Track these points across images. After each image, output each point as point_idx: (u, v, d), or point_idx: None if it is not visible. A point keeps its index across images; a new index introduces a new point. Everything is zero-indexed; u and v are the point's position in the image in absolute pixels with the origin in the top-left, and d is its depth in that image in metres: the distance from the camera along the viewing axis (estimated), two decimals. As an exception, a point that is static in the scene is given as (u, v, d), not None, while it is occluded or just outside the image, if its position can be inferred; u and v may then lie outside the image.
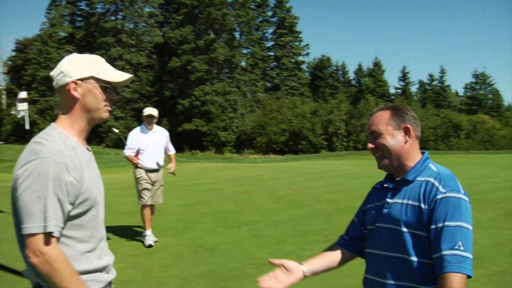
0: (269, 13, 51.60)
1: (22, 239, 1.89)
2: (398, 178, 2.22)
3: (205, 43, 41.04)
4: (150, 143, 7.30)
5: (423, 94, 55.55)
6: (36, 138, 1.99)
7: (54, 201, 1.87)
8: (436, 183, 2.08)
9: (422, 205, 2.07)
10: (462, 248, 1.97)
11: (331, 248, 2.43)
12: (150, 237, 7.12)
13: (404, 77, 55.21)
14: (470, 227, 2.02)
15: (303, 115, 36.45)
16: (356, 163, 22.09)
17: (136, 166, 7.27)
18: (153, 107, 7.82)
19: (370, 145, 2.25)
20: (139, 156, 7.24)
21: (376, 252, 2.22)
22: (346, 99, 44.71)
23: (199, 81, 40.96)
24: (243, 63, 44.61)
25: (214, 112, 39.02)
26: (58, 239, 1.91)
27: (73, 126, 2.10)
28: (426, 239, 2.06)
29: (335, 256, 2.38)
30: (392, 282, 2.12)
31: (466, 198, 2.06)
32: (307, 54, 52.61)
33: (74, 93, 2.06)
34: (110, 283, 2.17)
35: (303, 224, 8.53)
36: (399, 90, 54.70)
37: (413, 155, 2.21)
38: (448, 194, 2.04)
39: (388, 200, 2.20)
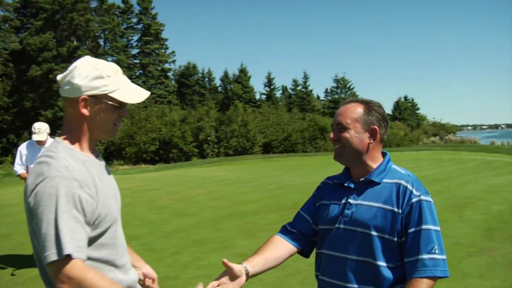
0: (134, 20, 49.92)
1: (45, 270, 1.75)
2: (361, 179, 2.14)
3: (67, 50, 38.57)
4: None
5: (288, 99, 57.62)
6: (41, 158, 1.80)
7: (70, 221, 1.68)
8: (409, 186, 2.05)
9: (397, 209, 2.03)
10: (437, 251, 1.97)
11: (273, 244, 2.28)
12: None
13: (269, 82, 56.82)
14: (440, 229, 2.03)
15: (172, 123, 35.85)
16: (230, 169, 22.25)
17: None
18: (42, 121, 7.00)
19: (332, 136, 2.17)
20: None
21: (336, 254, 2.13)
22: (215, 106, 44.85)
23: (62, 90, 38.48)
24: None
25: (79, 123, 36.86)
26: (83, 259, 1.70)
27: (80, 140, 1.91)
28: (395, 243, 2.03)
29: (279, 252, 2.25)
30: (355, 286, 2.05)
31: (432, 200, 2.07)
32: (173, 61, 52.18)
33: (83, 110, 1.85)
34: None
35: (193, 233, 8.33)
36: (264, 96, 56.20)
37: (376, 156, 2.17)
38: (422, 198, 2.03)
39: (351, 201, 2.13)
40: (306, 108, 54.97)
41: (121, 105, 1.93)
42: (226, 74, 56.29)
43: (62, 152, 1.81)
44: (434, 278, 1.95)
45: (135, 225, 9.20)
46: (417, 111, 69.70)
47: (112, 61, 36.93)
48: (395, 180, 2.09)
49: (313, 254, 2.33)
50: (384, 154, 2.21)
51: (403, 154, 27.20)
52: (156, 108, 40.67)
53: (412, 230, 2.00)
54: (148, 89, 47.92)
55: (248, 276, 2.10)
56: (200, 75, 55.80)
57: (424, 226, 1.99)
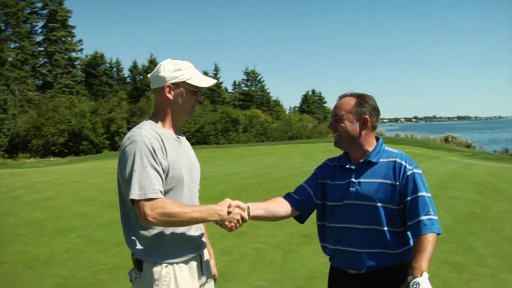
0: (39, 5, 47.05)
1: (126, 220, 2.41)
2: (361, 160, 2.54)
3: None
4: None
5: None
6: (134, 128, 2.40)
7: (149, 172, 2.22)
8: (403, 162, 2.48)
9: (395, 182, 2.44)
10: (432, 213, 2.41)
11: (277, 201, 2.69)
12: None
13: (181, 74, 56.44)
14: (431, 195, 2.46)
15: (82, 115, 34.73)
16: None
17: None
18: None
19: (331, 127, 2.58)
20: None
21: (348, 226, 2.50)
22: (128, 97, 43.80)
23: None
24: (9, 59, 40.33)
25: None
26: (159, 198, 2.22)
27: (164, 120, 2.47)
28: (396, 211, 2.45)
29: (279, 208, 2.65)
30: (368, 250, 2.45)
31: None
32: (81, 50, 50.08)
33: (168, 95, 2.43)
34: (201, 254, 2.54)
35: (131, 224, 8.31)
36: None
37: (370, 141, 2.57)
38: (414, 171, 2.47)
39: (353, 179, 2.51)
40: (216, 100, 55.23)
41: (196, 90, 2.47)
42: (135, 65, 55.14)
43: (146, 126, 2.38)
44: (434, 234, 2.36)
45: (68, 217, 9.04)
46: (325, 104, 72.01)
47: (14, 47, 34.87)
48: (390, 159, 2.52)
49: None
50: (377, 139, 2.61)
51: (316, 146, 28.19)
52: (64, 98, 39.10)
53: (409, 198, 2.42)
54: (54, 79, 46.14)
55: (249, 215, 2.50)
56: (108, 65, 54.26)
57: (419, 194, 2.42)
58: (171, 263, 2.35)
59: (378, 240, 2.45)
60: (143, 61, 72.57)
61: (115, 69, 55.41)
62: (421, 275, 2.22)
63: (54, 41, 46.89)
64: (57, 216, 9.21)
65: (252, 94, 57.82)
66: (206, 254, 2.62)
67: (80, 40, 49.68)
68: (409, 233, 2.50)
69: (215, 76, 58.50)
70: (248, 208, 2.48)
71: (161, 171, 2.28)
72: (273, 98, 60.72)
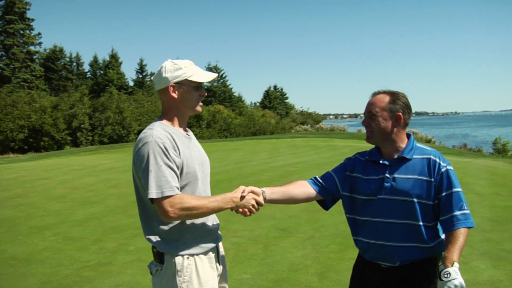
0: (-5, -4, 45.73)
1: (146, 215, 2.49)
2: (395, 156, 2.65)
3: None
4: None
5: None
6: (144, 130, 2.50)
7: (164, 171, 2.34)
8: (437, 160, 2.61)
9: (431, 179, 2.56)
10: (465, 207, 2.56)
11: (296, 184, 2.81)
12: None
13: (141, 69, 55.81)
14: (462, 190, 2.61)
15: (43, 110, 33.85)
16: (113, 157, 21.73)
17: None
18: None
19: (364, 123, 2.69)
20: None
21: (382, 220, 2.62)
22: (89, 92, 42.91)
23: None
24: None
25: None
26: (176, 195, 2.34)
27: (173, 118, 2.59)
28: (430, 207, 2.58)
29: (298, 191, 2.77)
30: (402, 244, 2.58)
31: None
32: (40, 43, 48.79)
33: (173, 94, 2.55)
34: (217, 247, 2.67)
35: (107, 221, 8.34)
36: (137, 82, 54.99)
37: (402, 137, 2.68)
38: (448, 167, 2.60)
39: (388, 175, 2.63)
40: (179, 96, 54.79)
41: (198, 85, 2.60)
42: (95, 59, 54.23)
43: (157, 126, 2.48)
44: (467, 229, 2.52)
45: (41, 215, 8.94)
46: (286, 100, 72.42)
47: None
48: (424, 156, 2.63)
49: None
50: (408, 136, 2.72)
51: (280, 141, 28.44)
52: (23, 93, 38.10)
53: (444, 194, 2.55)
54: (12, 73, 44.86)
55: (266, 199, 2.63)
56: (68, 59, 53.16)
57: (454, 189, 2.56)
58: (192, 255, 2.46)
59: (413, 234, 2.57)
60: (104, 55, 71.40)
61: (75, 64, 54.44)
62: (452, 265, 2.38)
63: (12, 34, 45.54)
64: (29, 214, 9.08)
65: (215, 90, 57.63)
66: (221, 245, 2.73)
67: (39, 33, 48.53)
68: (439, 227, 2.63)
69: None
70: (264, 193, 2.60)
71: (175, 168, 2.39)
72: (235, 94, 60.80)
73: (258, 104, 66.11)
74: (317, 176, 2.86)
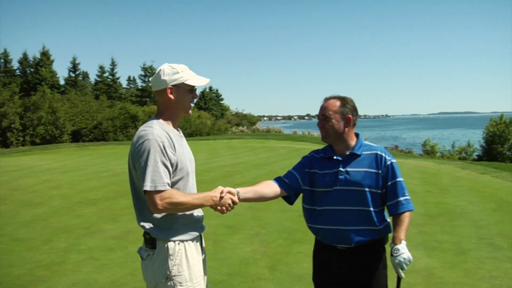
0: None
1: (141, 204, 2.74)
2: (347, 153, 3.09)
3: None
4: None
5: (95, 85, 55.65)
6: (142, 127, 2.75)
7: (160, 167, 2.60)
8: (383, 154, 3.08)
9: (379, 171, 3.02)
10: (407, 194, 3.05)
11: (265, 184, 3.17)
12: None
13: (74, 68, 54.37)
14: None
15: (-30, 109, 32.42)
16: (48, 158, 21.15)
17: None
18: None
19: (319, 124, 3.11)
20: None
21: (338, 208, 3.02)
22: (19, 90, 41.23)
23: None
24: None
25: None
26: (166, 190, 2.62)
27: (168, 118, 2.85)
28: (378, 195, 3.03)
29: (267, 190, 3.13)
30: (357, 227, 3.00)
31: None
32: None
33: (170, 96, 2.82)
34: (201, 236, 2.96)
35: (53, 221, 8.32)
36: (70, 81, 53.49)
37: (351, 136, 3.13)
38: (392, 161, 3.08)
39: (341, 169, 3.05)
40: (113, 96, 53.90)
41: (192, 89, 2.88)
42: (25, 57, 52.33)
43: (155, 125, 2.74)
44: (410, 212, 3.03)
45: (-18, 217, 8.76)
46: (221, 102, 72.53)
47: None
48: (372, 151, 3.10)
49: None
50: (357, 135, 3.17)
51: (217, 142, 28.57)
52: None
53: (390, 183, 3.03)
54: None
55: (240, 198, 2.93)
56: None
57: (397, 179, 3.05)
58: (182, 241, 2.76)
59: (365, 219, 3.00)
60: (34, 53, 68.82)
61: (2, 60, 52.26)
62: (400, 243, 2.87)
63: None
64: (-31, 215, 8.89)
65: (150, 90, 56.75)
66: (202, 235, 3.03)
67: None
68: (385, 212, 3.09)
69: (111, 71, 57.03)
70: (238, 193, 2.92)
71: (169, 166, 2.66)
72: (171, 95, 59.87)
73: (193, 105, 65.74)
74: (280, 176, 3.23)
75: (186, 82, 2.83)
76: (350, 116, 3.06)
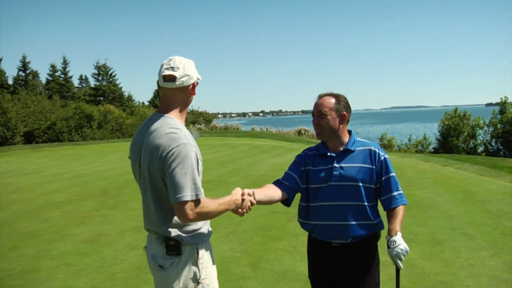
0: None
1: (165, 211, 2.54)
2: (340, 149, 3.07)
3: None
4: None
5: (46, 85, 54.01)
6: (170, 129, 2.50)
7: (196, 175, 2.44)
8: (377, 150, 3.07)
9: (373, 166, 3.02)
10: (400, 189, 3.06)
11: (271, 187, 3.09)
12: None
13: (24, 67, 52.58)
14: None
15: None
16: (3, 160, 20.30)
17: None
18: None
19: (315, 122, 3.07)
20: None
21: (333, 204, 3.00)
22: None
23: None
24: None
25: None
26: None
27: (181, 117, 2.66)
28: (372, 189, 3.02)
29: (274, 193, 3.06)
30: (353, 222, 2.98)
31: None
32: None
33: (192, 92, 2.67)
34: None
35: (18, 227, 7.99)
36: (20, 81, 51.73)
37: (345, 133, 3.12)
38: (385, 156, 3.08)
39: (336, 164, 3.03)
40: (66, 96, 52.51)
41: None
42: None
43: (182, 126, 2.55)
44: (404, 206, 3.04)
45: None
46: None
47: None
48: (366, 147, 3.09)
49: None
50: (349, 132, 3.15)
51: (177, 140, 28.15)
52: None
53: (383, 178, 3.02)
54: None
55: (255, 199, 2.83)
56: None
57: (391, 174, 3.05)
58: (204, 244, 2.67)
59: (360, 214, 2.98)
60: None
61: None
62: (396, 235, 2.89)
63: None
64: None
65: (104, 89, 55.64)
66: None
67: None
68: (378, 207, 3.08)
69: (64, 70, 55.51)
70: (254, 193, 2.83)
71: (200, 172, 2.53)
72: (125, 93, 59.01)
73: (148, 103, 64.70)
74: (279, 179, 3.16)
75: (199, 77, 2.70)
76: (345, 113, 3.06)
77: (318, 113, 3.05)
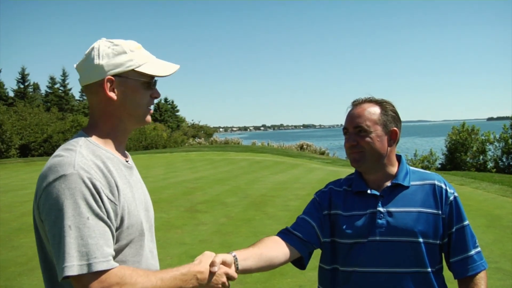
0: None
1: (52, 271, 1.49)
2: (387, 184, 1.98)
3: None
4: None
5: (46, 97, 53.47)
6: (58, 151, 1.55)
7: (94, 227, 1.41)
8: (443, 186, 1.98)
9: (438, 211, 1.93)
10: (478, 244, 1.97)
11: (270, 243, 1.95)
12: None
13: (23, 78, 51.93)
14: None
15: None
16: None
17: None
18: None
19: (352, 142, 1.96)
20: None
21: (377, 271, 1.89)
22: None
23: None
24: None
25: None
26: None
27: (106, 134, 1.65)
28: (437, 247, 1.94)
29: (275, 252, 1.92)
30: None
31: None
32: None
33: (110, 94, 1.61)
34: None
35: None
36: (18, 93, 51.06)
37: (393, 159, 2.04)
38: (455, 194, 1.99)
39: (381, 209, 1.93)
40: (64, 108, 51.90)
41: (150, 82, 1.69)
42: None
43: (82, 147, 1.54)
44: (485, 271, 1.95)
45: None
46: (177, 113, 71.18)
47: None
48: (426, 182, 2.00)
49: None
50: (398, 157, 2.07)
51: (174, 156, 27.36)
52: None
53: (454, 229, 1.95)
54: None
55: (237, 269, 1.74)
56: None
57: (465, 223, 1.97)
58: None
59: (421, 286, 1.89)
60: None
61: None
62: None
63: None
64: None
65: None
66: None
67: None
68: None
69: (63, 82, 54.91)
70: (236, 260, 1.74)
71: (109, 222, 1.47)
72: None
73: (152, 109, 64.09)
74: (288, 227, 2.06)
75: (139, 70, 1.65)
76: (395, 128, 2.00)
77: (355, 128, 1.97)
